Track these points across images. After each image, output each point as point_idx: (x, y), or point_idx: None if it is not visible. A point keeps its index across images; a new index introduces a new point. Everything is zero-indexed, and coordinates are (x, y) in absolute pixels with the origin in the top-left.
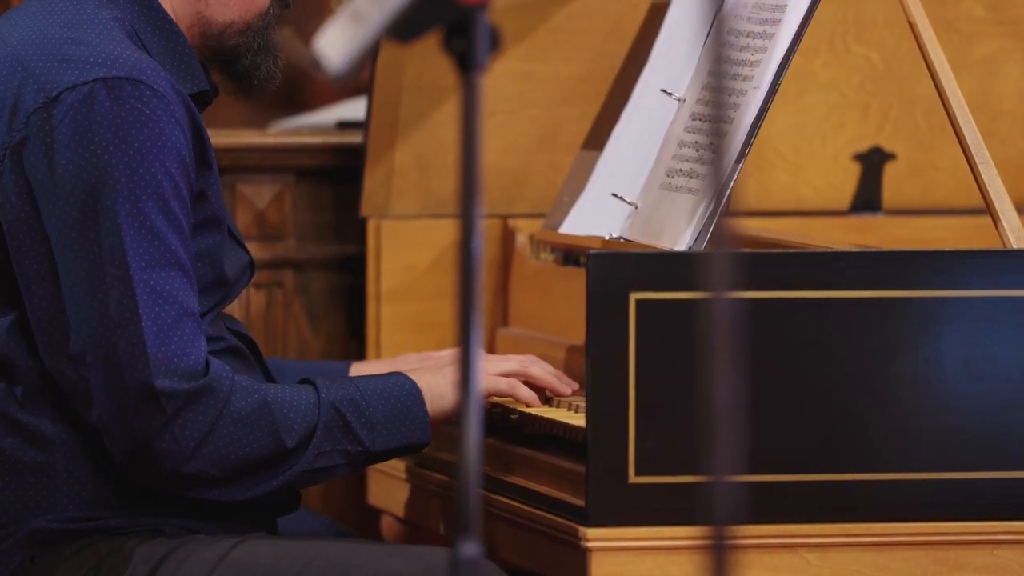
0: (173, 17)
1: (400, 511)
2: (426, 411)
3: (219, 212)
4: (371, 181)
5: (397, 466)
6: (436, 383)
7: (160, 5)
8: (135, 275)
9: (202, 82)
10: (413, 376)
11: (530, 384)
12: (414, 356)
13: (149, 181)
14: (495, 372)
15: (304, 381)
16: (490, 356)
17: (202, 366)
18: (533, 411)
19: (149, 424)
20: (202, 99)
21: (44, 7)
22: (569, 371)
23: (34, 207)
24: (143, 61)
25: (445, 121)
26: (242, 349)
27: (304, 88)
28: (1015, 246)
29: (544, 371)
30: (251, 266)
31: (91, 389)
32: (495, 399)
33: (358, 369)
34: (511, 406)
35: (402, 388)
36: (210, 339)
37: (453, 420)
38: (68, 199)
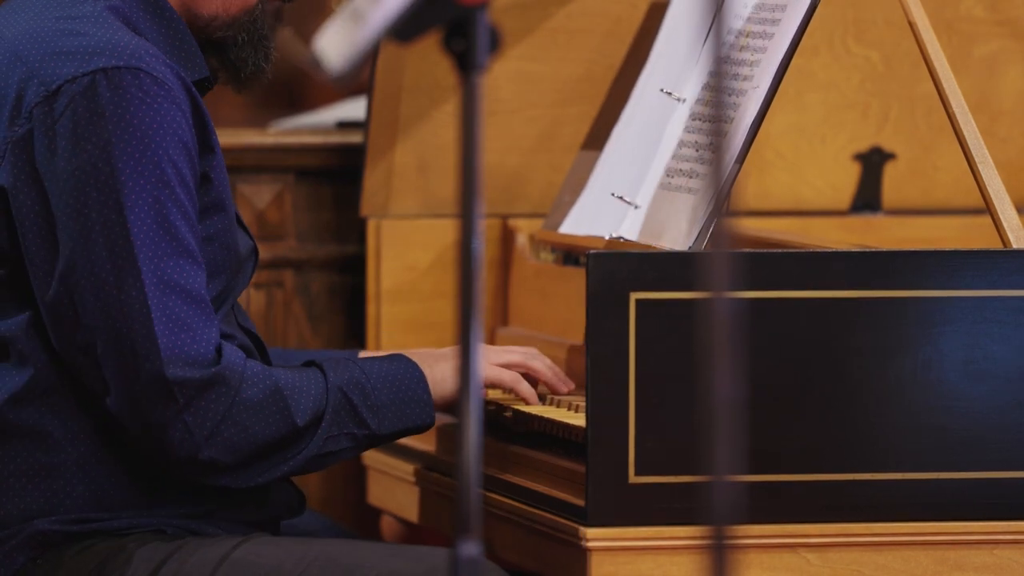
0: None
1: (400, 511)
2: (429, 394)
3: (224, 196)
4: (371, 181)
5: (397, 466)
6: (439, 368)
7: None
8: (143, 266)
9: (202, 69)
10: (415, 359)
11: (529, 379)
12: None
13: (153, 170)
14: (498, 363)
15: (310, 363)
16: (493, 347)
17: (213, 354)
18: (533, 410)
19: (162, 414)
20: (203, 85)
21: (38, 2)
22: (569, 371)
23: (43, 199)
24: (142, 47)
25: (445, 121)
26: (251, 349)
27: (304, 88)
28: (1015, 246)
29: (544, 365)
30: (255, 251)
31: (104, 379)
32: (492, 395)
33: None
34: (505, 403)
35: (406, 371)
36: (222, 336)
37: (452, 406)
38: (73, 192)
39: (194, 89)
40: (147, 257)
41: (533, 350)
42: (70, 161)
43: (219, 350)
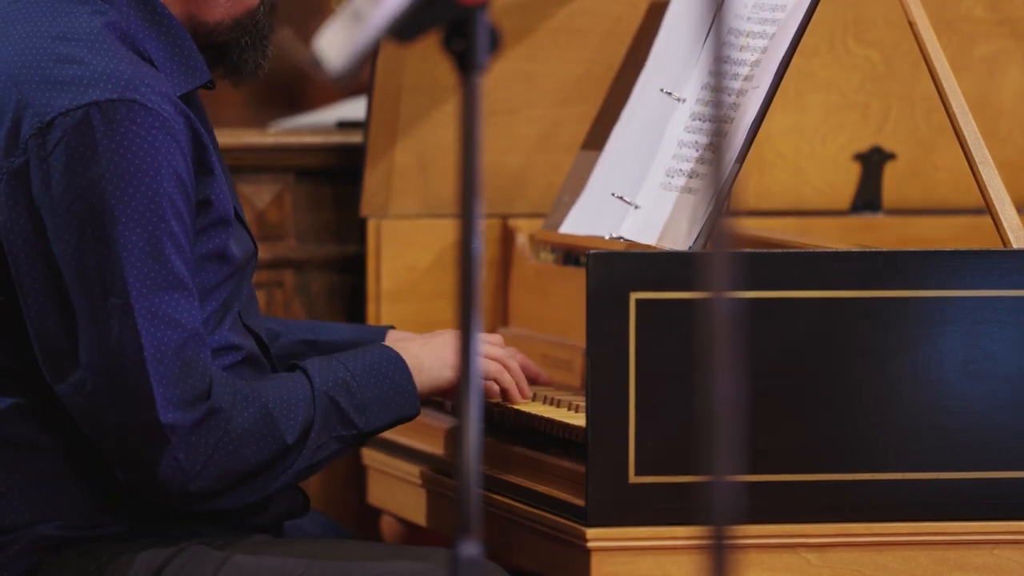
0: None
1: (400, 511)
2: (414, 384)
3: (227, 210)
4: (371, 181)
5: (397, 466)
6: (422, 356)
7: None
8: (135, 302)
9: (204, 74)
10: (399, 349)
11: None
12: (403, 341)
13: (147, 204)
14: (484, 353)
15: (293, 367)
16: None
17: (206, 387)
18: (533, 410)
19: (154, 453)
20: (205, 87)
21: (34, 14)
22: (569, 371)
23: (38, 232)
24: (137, 75)
25: (445, 121)
26: (259, 359)
27: (304, 88)
28: (1015, 246)
29: (517, 369)
30: (255, 254)
31: (95, 416)
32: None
33: (395, 338)
34: (505, 406)
35: (390, 363)
36: (230, 348)
37: (436, 393)
38: (66, 226)
39: (191, 115)
40: (140, 293)
41: (511, 350)
42: (64, 195)
43: (211, 382)
